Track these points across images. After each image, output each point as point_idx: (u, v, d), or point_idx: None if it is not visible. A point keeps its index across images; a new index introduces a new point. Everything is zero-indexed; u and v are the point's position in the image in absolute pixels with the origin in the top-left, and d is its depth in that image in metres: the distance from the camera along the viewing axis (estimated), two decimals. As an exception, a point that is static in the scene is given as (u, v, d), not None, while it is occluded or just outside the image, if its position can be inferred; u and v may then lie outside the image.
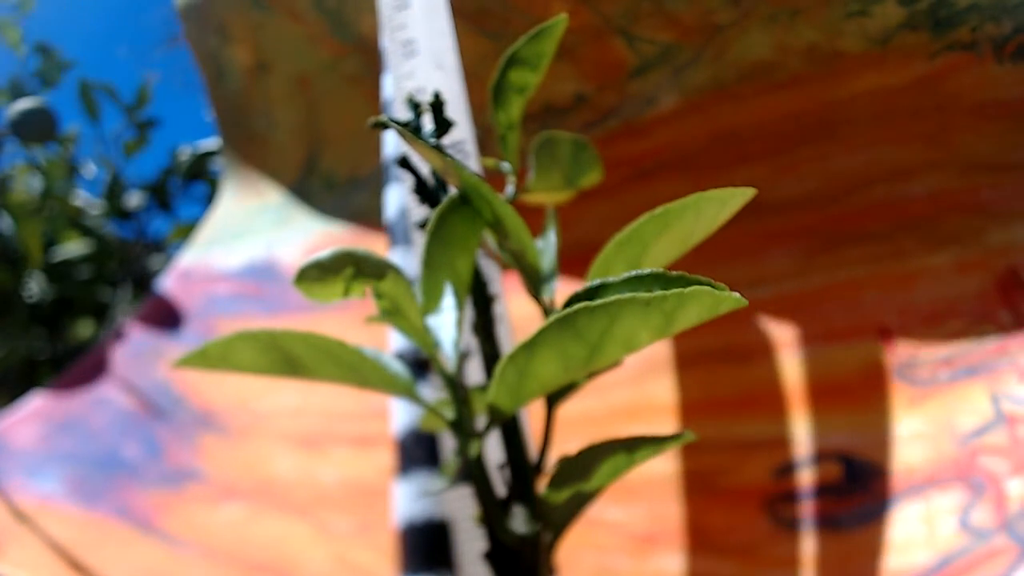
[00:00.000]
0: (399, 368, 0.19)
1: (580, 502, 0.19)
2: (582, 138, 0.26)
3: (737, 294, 0.13)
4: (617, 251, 0.18)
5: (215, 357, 0.18)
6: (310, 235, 0.58)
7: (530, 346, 0.14)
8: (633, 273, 0.14)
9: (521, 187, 0.25)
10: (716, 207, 0.17)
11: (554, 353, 0.14)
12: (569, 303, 0.15)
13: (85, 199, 1.12)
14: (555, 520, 0.19)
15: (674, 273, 0.14)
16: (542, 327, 0.14)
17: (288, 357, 0.18)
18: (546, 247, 0.22)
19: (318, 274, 0.18)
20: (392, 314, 0.19)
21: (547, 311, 0.20)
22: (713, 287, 0.13)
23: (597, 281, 0.15)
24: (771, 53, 0.36)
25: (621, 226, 0.19)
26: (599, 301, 0.13)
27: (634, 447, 0.18)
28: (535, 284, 0.19)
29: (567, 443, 0.38)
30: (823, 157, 0.35)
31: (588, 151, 0.26)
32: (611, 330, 0.13)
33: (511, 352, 0.15)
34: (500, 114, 0.23)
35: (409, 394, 0.19)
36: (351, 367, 0.18)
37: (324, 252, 0.18)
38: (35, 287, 1.02)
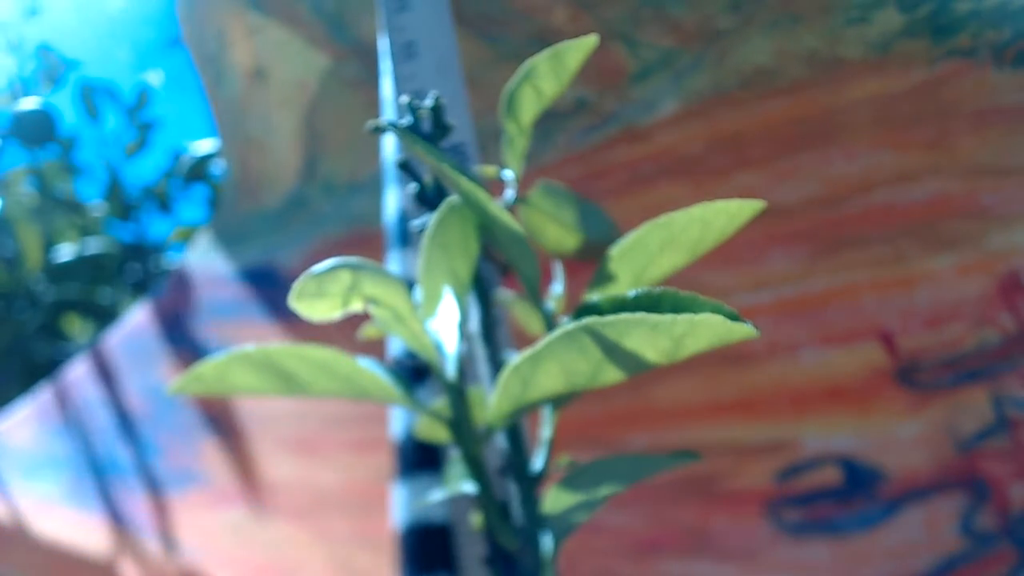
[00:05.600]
0: (396, 378, 0.19)
1: (582, 511, 0.19)
2: (594, 204, 0.25)
3: (749, 324, 0.12)
4: (621, 259, 0.18)
5: (211, 380, 0.18)
6: (310, 240, 0.58)
7: (535, 358, 0.14)
8: (644, 290, 0.14)
9: (522, 195, 0.25)
10: (725, 219, 0.17)
11: (558, 367, 0.14)
12: (577, 315, 0.15)
13: (85, 200, 1.12)
14: (556, 526, 0.19)
15: (686, 295, 0.13)
16: (548, 340, 0.14)
17: (284, 374, 0.18)
18: (555, 286, 0.22)
19: (316, 289, 0.18)
20: (391, 322, 0.19)
21: (549, 322, 0.20)
22: (725, 315, 0.12)
23: (609, 295, 0.15)
24: (772, 59, 0.36)
25: (622, 231, 0.19)
26: (608, 319, 0.13)
27: (640, 463, 0.18)
28: (534, 294, 0.19)
29: (568, 446, 0.38)
30: (824, 162, 0.35)
31: (601, 215, 0.25)
32: (617, 349, 0.13)
33: (515, 363, 0.15)
34: (511, 121, 0.23)
35: (407, 403, 0.19)
36: (347, 379, 0.18)
37: (319, 266, 0.18)
38: (34, 288, 1.02)
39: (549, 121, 0.44)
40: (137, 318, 0.69)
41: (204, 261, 0.66)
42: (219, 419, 0.55)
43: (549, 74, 0.21)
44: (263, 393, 0.18)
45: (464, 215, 0.19)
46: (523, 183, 0.25)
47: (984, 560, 0.27)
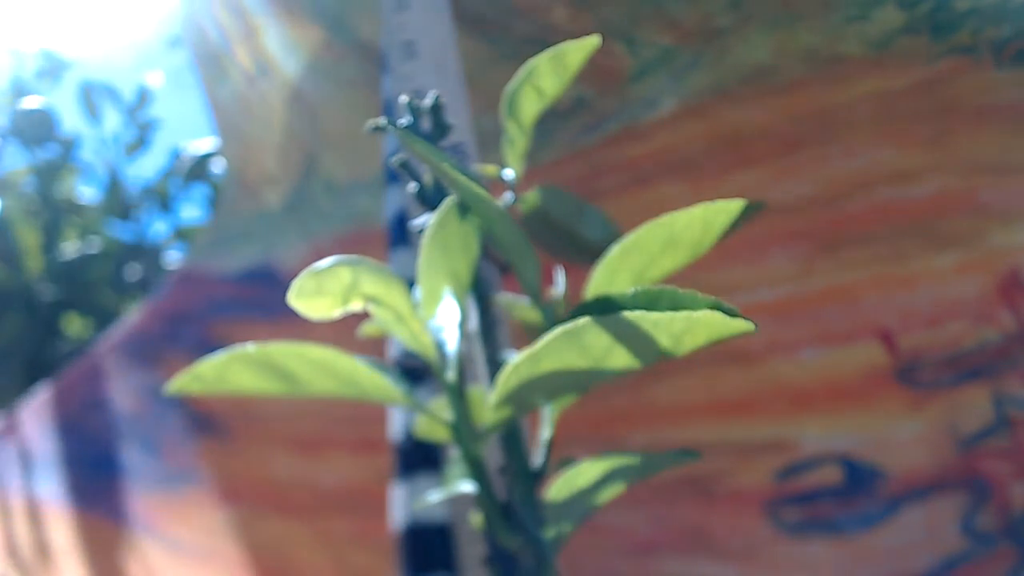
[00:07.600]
0: (396, 378, 0.19)
1: (584, 511, 0.19)
2: (593, 205, 0.25)
3: (748, 321, 0.12)
4: (621, 259, 0.18)
5: (211, 380, 0.18)
6: (310, 239, 0.58)
7: (534, 358, 0.14)
8: (643, 289, 0.14)
9: (522, 195, 0.25)
10: (726, 218, 0.17)
11: (558, 365, 0.14)
12: (576, 314, 0.15)
13: (85, 200, 1.12)
14: (557, 526, 0.19)
15: (685, 293, 0.13)
16: (547, 339, 0.14)
17: (284, 374, 0.18)
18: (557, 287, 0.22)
19: (315, 287, 0.18)
20: (391, 322, 0.19)
21: (548, 322, 0.20)
22: (724, 311, 0.12)
23: (607, 293, 0.15)
24: (771, 57, 0.36)
25: (622, 231, 0.19)
26: (607, 317, 0.13)
27: (640, 462, 0.18)
28: (534, 294, 0.19)
29: (567, 445, 0.38)
30: (823, 160, 0.35)
31: (600, 216, 0.25)
32: (617, 347, 0.13)
33: (515, 362, 0.15)
34: (511, 121, 0.23)
35: (407, 403, 0.19)
36: (347, 379, 0.18)
37: (319, 263, 0.18)
38: (35, 288, 1.02)
39: (549, 120, 0.44)
40: (137, 318, 0.69)
41: (204, 261, 0.66)
42: (219, 419, 0.55)
43: (550, 74, 0.21)
44: (263, 393, 0.18)
45: (464, 215, 0.19)
46: (523, 183, 0.25)
47: (984, 560, 0.27)
